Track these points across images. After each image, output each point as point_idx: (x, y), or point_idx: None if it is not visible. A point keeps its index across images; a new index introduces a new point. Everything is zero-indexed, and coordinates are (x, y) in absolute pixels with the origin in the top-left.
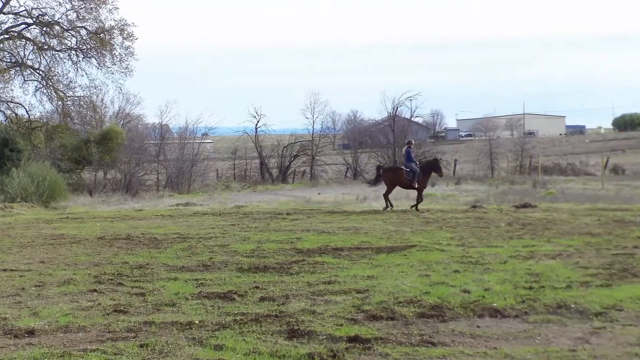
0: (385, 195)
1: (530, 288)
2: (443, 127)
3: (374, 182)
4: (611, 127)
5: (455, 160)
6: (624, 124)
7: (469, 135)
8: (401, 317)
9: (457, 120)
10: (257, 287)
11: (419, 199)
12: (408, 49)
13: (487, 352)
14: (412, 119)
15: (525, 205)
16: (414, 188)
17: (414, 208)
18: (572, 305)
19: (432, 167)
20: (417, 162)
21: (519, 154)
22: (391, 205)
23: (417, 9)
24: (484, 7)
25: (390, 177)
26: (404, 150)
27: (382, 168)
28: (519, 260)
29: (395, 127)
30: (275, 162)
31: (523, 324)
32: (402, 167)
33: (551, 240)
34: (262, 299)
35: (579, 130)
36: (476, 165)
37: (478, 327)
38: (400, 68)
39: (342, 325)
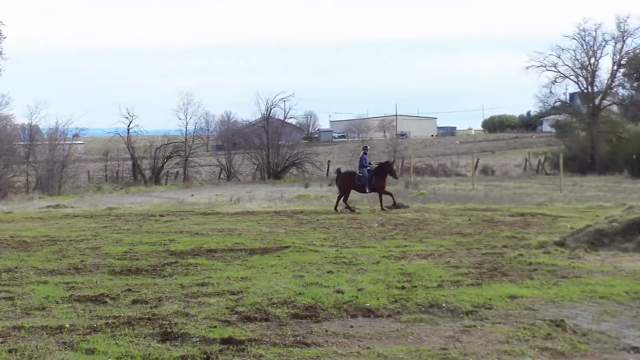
0: (339, 198)
1: (403, 288)
2: (317, 129)
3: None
4: (481, 128)
5: (329, 161)
6: (493, 125)
7: (342, 136)
8: (275, 318)
9: (331, 121)
10: (129, 290)
11: (381, 199)
12: (282, 50)
13: (360, 352)
14: (286, 120)
15: (397, 206)
16: (365, 192)
17: (384, 209)
18: (444, 304)
19: (385, 170)
20: (371, 167)
21: (391, 154)
22: (352, 209)
23: (287, 10)
24: (358, 9)
25: (344, 181)
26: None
27: (339, 172)
28: (391, 260)
29: (269, 128)
30: (148, 163)
31: (396, 324)
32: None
33: (423, 240)
34: (134, 302)
35: (450, 131)
36: (350, 166)
37: (351, 327)
38: (274, 69)
39: (215, 327)
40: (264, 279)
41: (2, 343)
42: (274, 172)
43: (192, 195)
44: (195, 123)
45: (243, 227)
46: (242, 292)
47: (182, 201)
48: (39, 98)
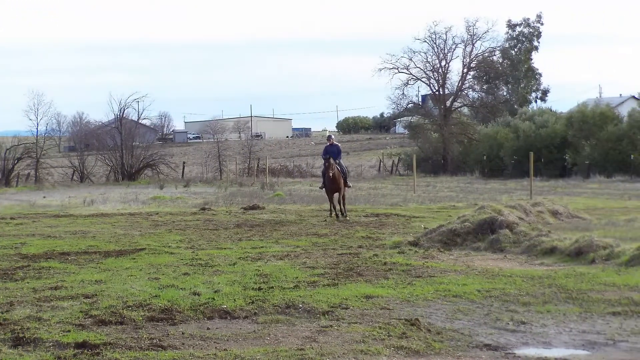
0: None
1: (260, 289)
2: (171, 130)
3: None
4: (336, 129)
5: (184, 162)
6: (348, 126)
7: (197, 137)
8: (130, 321)
9: (185, 122)
10: None
11: (343, 201)
12: (135, 50)
13: (217, 354)
14: (140, 121)
15: (253, 207)
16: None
17: (340, 215)
18: (300, 305)
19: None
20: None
21: (247, 156)
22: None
23: (139, 8)
24: (211, 9)
25: None
26: None
27: None
28: (248, 261)
29: (123, 129)
30: None
31: (253, 325)
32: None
33: (279, 242)
34: None
35: (305, 132)
36: (205, 168)
37: (208, 329)
38: (127, 69)
39: (69, 331)
40: (119, 282)
41: None
42: (128, 174)
43: (44, 197)
44: (47, 124)
45: (97, 229)
46: (96, 295)
47: (34, 203)
48: None
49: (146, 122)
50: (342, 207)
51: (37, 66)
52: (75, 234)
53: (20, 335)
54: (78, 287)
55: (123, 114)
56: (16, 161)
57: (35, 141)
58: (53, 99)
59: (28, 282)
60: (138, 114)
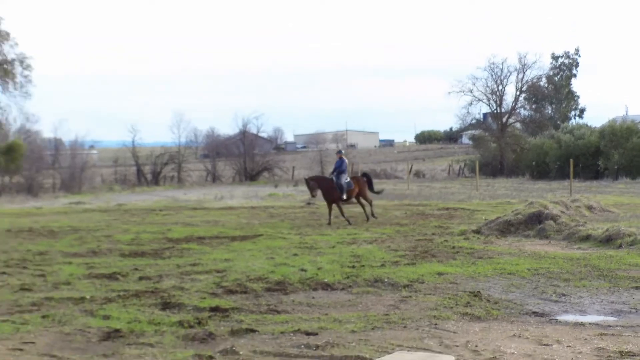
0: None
1: (353, 267)
2: (283, 141)
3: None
4: (414, 140)
5: (294, 167)
6: (423, 138)
7: (304, 147)
8: (252, 291)
9: (295, 135)
10: (136, 269)
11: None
12: (256, 75)
13: (320, 317)
14: (259, 134)
15: (349, 203)
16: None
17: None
18: (386, 280)
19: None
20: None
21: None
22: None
23: (258, 42)
24: (303, 39)
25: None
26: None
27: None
28: (344, 245)
29: (245, 140)
30: (149, 168)
31: (348, 295)
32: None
33: (369, 229)
34: (140, 278)
35: (389, 143)
36: (310, 171)
37: (313, 297)
38: (249, 91)
39: (205, 298)
40: (243, 260)
41: (37, 310)
42: (249, 176)
43: (185, 194)
44: (186, 136)
45: (225, 219)
46: (225, 270)
47: (177, 199)
48: (61, 116)
49: (264, 134)
50: (371, 209)
51: (179, 91)
52: (208, 223)
53: (167, 300)
54: (211, 264)
55: (245, 128)
56: (163, 166)
57: (177, 150)
58: (191, 117)
59: (173, 260)
60: (257, 128)
